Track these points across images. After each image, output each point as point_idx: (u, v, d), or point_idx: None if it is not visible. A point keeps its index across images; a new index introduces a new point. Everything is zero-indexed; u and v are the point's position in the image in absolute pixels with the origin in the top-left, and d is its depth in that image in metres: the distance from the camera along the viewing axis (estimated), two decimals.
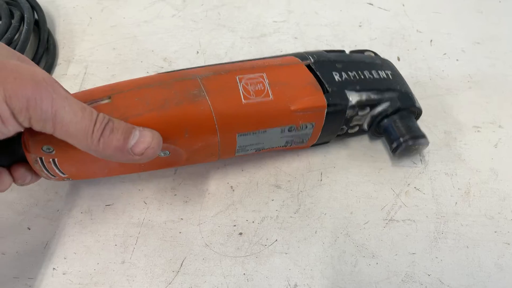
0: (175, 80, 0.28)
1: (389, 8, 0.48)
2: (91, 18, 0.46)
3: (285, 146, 0.33)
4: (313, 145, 0.35)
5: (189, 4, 0.48)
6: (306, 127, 0.31)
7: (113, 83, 0.28)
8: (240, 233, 0.32)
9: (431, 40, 0.44)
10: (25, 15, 0.42)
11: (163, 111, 0.26)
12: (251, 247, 0.31)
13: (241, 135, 0.29)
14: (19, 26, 0.42)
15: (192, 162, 0.32)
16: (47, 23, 0.45)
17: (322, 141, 0.34)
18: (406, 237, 0.31)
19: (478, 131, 0.37)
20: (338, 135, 0.35)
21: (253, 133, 0.30)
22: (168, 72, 0.30)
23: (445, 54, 0.43)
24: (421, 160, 0.35)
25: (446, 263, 0.30)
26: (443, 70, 0.42)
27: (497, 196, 0.33)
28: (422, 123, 0.36)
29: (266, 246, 0.31)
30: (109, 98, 0.26)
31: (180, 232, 0.32)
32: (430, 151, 0.36)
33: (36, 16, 0.45)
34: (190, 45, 0.44)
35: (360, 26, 0.46)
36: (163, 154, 0.29)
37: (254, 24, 0.46)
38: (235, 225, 0.32)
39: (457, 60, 0.43)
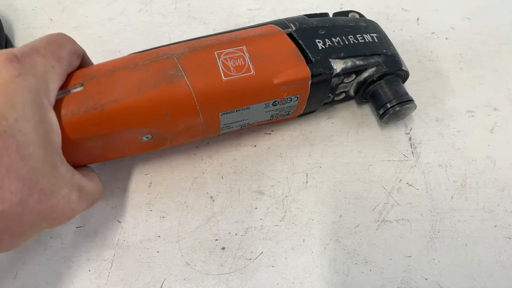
0: (150, 60, 0.26)
1: None
2: (51, 19, 0.43)
3: (270, 119, 0.32)
4: (300, 115, 0.33)
5: None
6: (291, 99, 0.30)
7: (85, 68, 0.27)
8: (223, 248, 0.29)
9: (417, 19, 0.41)
10: None
11: (140, 95, 0.25)
12: (235, 263, 0.29)
13: (224, 114, 0.28)
14: None
15: (177, 143, 0.31)
16: (4, 29, 0.41)
17: (308, 111, 0.33)
18: (400, 238, 0.29)
19: (472, 116, 0.35)
20: (325, 103, 0.33)
21: (236, 111, 0.28)
22: (142, 51, 0.28)
23: (433, 33, 0.40)
24: (412, 152, 0.33)
25: (444, 265, 0.28)
26: (431, 51, 0.39)
27: (495, 186, 0.31)
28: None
29: (251, 260, 0.29)
30: (82, 85, 0.25)
31: (158, 252, 0.29)
32: (422, 142, 0.33)
33: None
34: (159, 42, 0.41)
35: (341, 8, 0.43)
36: (145, 139, 0.27)
37: (228, 14, 0.43)
38: (217, 239, 0.30)
39: (446, 39, 0.40)
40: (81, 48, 0.27)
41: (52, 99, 0.23)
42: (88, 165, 0.29)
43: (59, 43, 0.25)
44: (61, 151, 0.23)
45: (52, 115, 0.22)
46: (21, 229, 0.21)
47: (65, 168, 0.22)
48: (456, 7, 0.42)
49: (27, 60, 0.21)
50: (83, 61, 0.28)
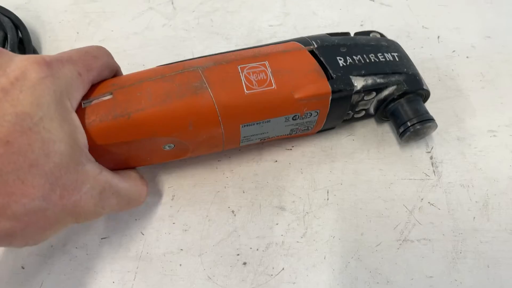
0: (176, 72, 0.27)
1: (392, 3, 0.45)
2: (78, 33, 0.44)
3: (290, 134, 0.32)
4: (319, 131, 0.34)
5: (179, 12, 0.45)
6: (311, 114, 0.30)
7: (114, 78, 0.28)
8: (244, 263, 0.30)
9: (438, 37, 0.42)
10: (8, 35, 0.40)
11: (165, 105, 0.26)
12: (257, 278, 0.29)
13: (244, 126, 0.29)
14: (3, 47, 0.40)
15: (198, 153, 0.31)
16: (32, 42, 0.42)
17: (328, 127, 0.34)
18: (422, 258, 0.29)
19: (494, 135, 0.35)
20: (344, 120, 0.34)
21: (257, 123, 0.29)
22: (169, 64, 0.29)
23: (454, 51, 0.40)
24: (433, 171, 0.33)
25: (466, 286, 0.28)
26: (452, 70, 0.39)
27: None
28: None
29: (272, 276, 0.29)
30: (111, 94, 0.26)
31: (180, 265, 0.30)
32: (443, 161, 0.33)
33: (20, 35, 0.42)
34: (183, 56, 0.41)
35: (361, 25, 0.43)
36: (168, 148, 0.28)
37: (249, 30, 0.43)
38: (238, 254, 0.30)
39: (467, 57, 0.40)
40: (116, 63, 0.28)
41: (75, 103, 0.24)
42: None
43: (95, 55, 0.26)
44: (87, 149, 0.24)
45: (75, 117, 0.23)
46: (45, 223, 0.21)
47: (91, 166, 0.23)
48: (476, 25, 0.42)
49: (55, 64, 0.22)
50: (116, 76, 0.29)
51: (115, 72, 0.28)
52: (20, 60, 0.21)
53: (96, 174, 0.23)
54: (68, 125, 0.22)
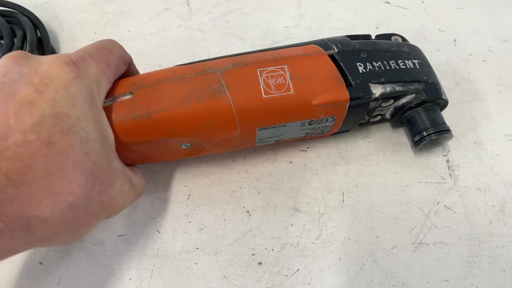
0: (196, 74, 0.28)
1: (408, 6, 0.45)
2: (95, 33, 0.45)
3: (304, 136, 0.32)
4: (334, 134, 0.34)
5: (195, 13, 0.45)
6: (327, 120, 0.30)
7: (134, 77, 0.28)
8: (260, 263, 0.30)
9: (454, 40, 0.41)
10: (27, 35, 0.41)
11: (184, 106, 0.26)
12: (272, 278, 0.29)
13: (261, 129, 0.29)
14: (22, 46, 0.41)
15: (212, 152, 0.32)
16: (50, 41, 0.43)
17: (342, 130, 0.34)
18: (438, 262, 0.29)
19: (511, 139, 0.35)
20: (360, 124, 0.34)
21: (273, 127, 0.29)
22: (188, 64, 0.29)
23: (470, 54, 0.40)
24: (450, 175, 0.33)
25: None
26: (469, 73, 0.39)
27: None
28: None
29: (287, 277, 0.29)
30: (131, 93, 0.26)
31: (196, 263, 0.30)
32: (459, 165, 0.33)
33: (39, 34, 0.43)
34: (199, 57, 0.42)
35: (377, 27, 0.43)
36: (184, 146, 0.29)
37: (264, 31, 0.44)
38: (253, 254, 0.30)
39: (484, 60, 0.40)
40: (129, 55, 0.28)
41: (102, 101, 0.24)
42: None
43: (110, 49, 0.26)
44: (114, 148, 0.24)
45: (104, 115, 0.24)
46: (86, 220, 0.22)
47: (118, 163, 0.24)
48: (493, 29, 0.42)
49: (82, 63, 0.23)
50: (129, 68, 0.29)
51: (129, 64, 0.29)
52: (50, 61, 0.21)
53: (123, 171, 0.24)
54: (100, 124, 0.22)
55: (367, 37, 0.33)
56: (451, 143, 0.34)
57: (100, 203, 0.22)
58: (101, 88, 0.24)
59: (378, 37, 0.34)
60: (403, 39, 0.34)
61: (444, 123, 0.31)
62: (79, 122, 0.21)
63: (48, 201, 0.19)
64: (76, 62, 0.22)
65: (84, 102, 0.21)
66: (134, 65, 0.30)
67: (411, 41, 0.35)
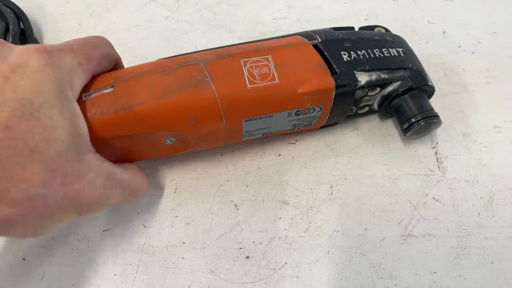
0: (178, 66, 0.27)
1: None
2: (80, 24, 0.44)
3: (292, 129, 0.32)
4: (322, 127, 0.34)
5: (182, 4, 0.45)
6: (314, 110, 0.30)
7: (115, 71, 0.28)
8: (247, 257, 0.30)
9: (444, 32, 0.41)
10: (10, 26, 0.40)
11: (167, 98, 0.26)
12: (259, 272, 0.29)
13: (247, 121, 0.28)
14: (4, 38, 0.40)
15: (199, 148, 0.31)
16: (33, 33, 0.42)
17: (330, 123, 0.33)
18: (426, 254, 0.29)
19: (499, 131, 0.34)
20: (348, 116, 0.33)
21: (259, 118, 0.29)
22: (171, 57, 0.29)
23: (459, 46, 0.40)
24: (438, 167, 0.33)
25: (471, 282, 0.28)
26: (458, 65, 0.39)
27: None
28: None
29: (275, 270, 0.29)
30: (112, 86, 0.26)
31: (182, 258, 0.30)
32: (448, 157, 0.33)
33: (22, 26, 0.42)
34: (186, 49, 0.41)
35: (366, 19, 0.43)
36: (169, 142, 0.28)
37: (253, 23, 0.43)
38: (241, 248, 0.30)
39: (473, 52, 0.39)
40: (117, 54, 0.28)
41: (76, 93, 0.24)
42: None
43: (95, 45, 0.26)
44: (88, 139, 0.23)
45: (76, 106, 0.23)
46: (45, 211, 0.21)
47: (92, 156, 0.23)
48: (482, 21, 0.42)
49: (56, 53, 0.22)
50: (117, 67, 0.28)
51: (116, 63, 0.28)
52: (21, 49, 0.21)
53: (98, 164, 0.23)
54: (69, 113, 0.22)
55: (351, 29, 0.33)
56: (439, 135, 0.34)
57: (64, 195, 0.21)
58: (74, 79, 0.23)
59: (362, 28, 0.34)
60: (386, 30, 0.34)
61: (432, 109, 0.31)
62: (43, 109, 0.20)
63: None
64: (50, 50, 0.22)
65: (50, 90, 0.21)
66: (122, 65, 0.30)
67: (400, 33, 0.35)
